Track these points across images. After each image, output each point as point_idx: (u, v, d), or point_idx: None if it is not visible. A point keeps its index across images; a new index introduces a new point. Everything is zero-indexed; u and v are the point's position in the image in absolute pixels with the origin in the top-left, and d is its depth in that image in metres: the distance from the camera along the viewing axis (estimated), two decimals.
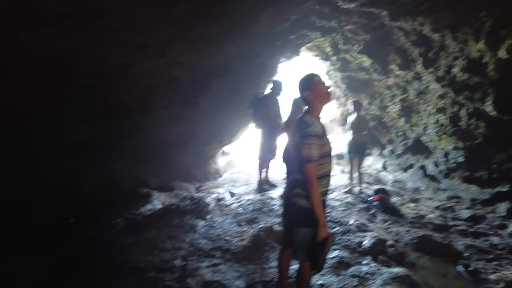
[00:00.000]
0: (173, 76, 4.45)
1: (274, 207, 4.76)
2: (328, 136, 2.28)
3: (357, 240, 3.82)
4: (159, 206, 4.71)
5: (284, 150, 4.21)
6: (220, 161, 7.97)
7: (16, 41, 2.40)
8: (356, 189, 5.95)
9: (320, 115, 2.33)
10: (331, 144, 2.27)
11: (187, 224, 4.21)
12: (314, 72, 2.41)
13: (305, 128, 2.14)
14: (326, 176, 2.24)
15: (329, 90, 2.35)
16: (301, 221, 2.20)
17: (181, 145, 5.66)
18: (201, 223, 4.28)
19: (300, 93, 2.32)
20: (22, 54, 2.54)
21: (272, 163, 6.06)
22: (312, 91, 2.26)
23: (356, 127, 5.90)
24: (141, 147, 4.72)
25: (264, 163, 5.82)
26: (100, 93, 3.59)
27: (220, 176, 7.29)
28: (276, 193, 5.41)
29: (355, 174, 6.04)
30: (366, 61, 7.10)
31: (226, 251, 3.53)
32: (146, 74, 3.99)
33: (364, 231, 4.10)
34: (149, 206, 4.60)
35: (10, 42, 2.38)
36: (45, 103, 3.08)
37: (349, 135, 6.06)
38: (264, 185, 5.86)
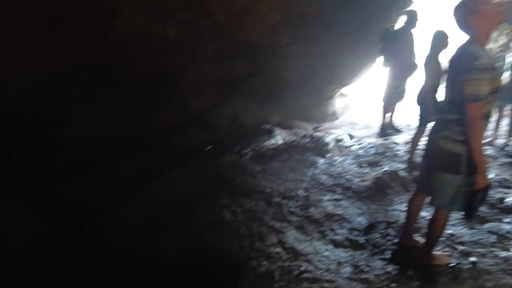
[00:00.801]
0: (299, 11, 4.34)
1: (398, 152, 4.52)
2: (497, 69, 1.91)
3: (498, 196, 3.39)
4: (281, 141, 5.00)
5: (420, 92, 3.84)
6: (338, 103, 7.78)
7: None
8: (499, 141, 5.11)
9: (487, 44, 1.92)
10: (500, 78, 1.92)
11: (307, 160, 4.40)
12: None
13: (472, 60, 1.79)
14: (487, 117, 1.93)
15: (500, 9, 1.85)
16: (446, 167, 2.00)
17: (302, 85, 5.68)
18: (321, 160, 4.41)
19: (460, 20, 1.90)
20: None
21: (398, 106, 5.59)
22: (479, 14, 1.81)
23: None
24: (265, 85, 4.93)
25: (389, 106, 5.35)
26: (228, 32, 3.78)
27: (337, 118, 7.17)
28: (401, 138, 5.08)
29: (503, 125, 5.13)
30: None
31: (348, 189, 3.60)
32: (273, 10, 4.00)
33: (507, 187, 3.61)
34: (272, 141, 4.93)
35: None
36: (183, 40, 3.40)
37: (504, 78, 5.01)
38: (388, 129, 5.48)
